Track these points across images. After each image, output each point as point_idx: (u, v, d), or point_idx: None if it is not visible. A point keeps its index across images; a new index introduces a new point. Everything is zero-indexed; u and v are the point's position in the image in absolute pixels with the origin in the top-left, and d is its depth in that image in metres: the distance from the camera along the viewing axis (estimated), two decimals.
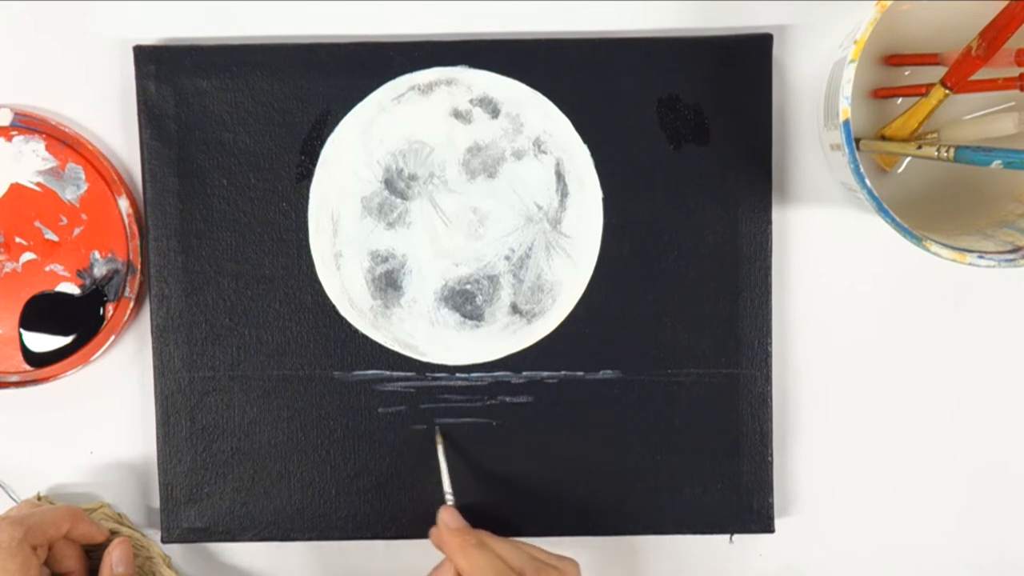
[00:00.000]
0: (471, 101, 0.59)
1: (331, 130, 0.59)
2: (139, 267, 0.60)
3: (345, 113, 0.59)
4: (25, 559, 0.52)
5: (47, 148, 0.59)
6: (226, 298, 0.59)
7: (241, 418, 0.60)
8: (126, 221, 0.60)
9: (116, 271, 0.60)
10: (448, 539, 0.53)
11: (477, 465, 0.60)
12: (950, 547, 0.62)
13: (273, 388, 0.60)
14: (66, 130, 0.59)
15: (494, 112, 0.59)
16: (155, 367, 0.59)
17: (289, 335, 0.60)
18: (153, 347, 0.59)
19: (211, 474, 0.60)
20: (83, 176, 0.60)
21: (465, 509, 0.56)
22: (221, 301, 0.59)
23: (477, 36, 0.59)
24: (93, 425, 0.61)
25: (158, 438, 0.60)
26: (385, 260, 0.59)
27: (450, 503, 0.57)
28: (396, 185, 0.59)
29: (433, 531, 0.55)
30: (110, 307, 0.60)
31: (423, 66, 0.59)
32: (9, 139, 0.59)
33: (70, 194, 0.60)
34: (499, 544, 0.53)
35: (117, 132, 0.60)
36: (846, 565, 0.62)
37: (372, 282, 0.59)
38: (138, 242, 0.60)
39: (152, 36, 0.59)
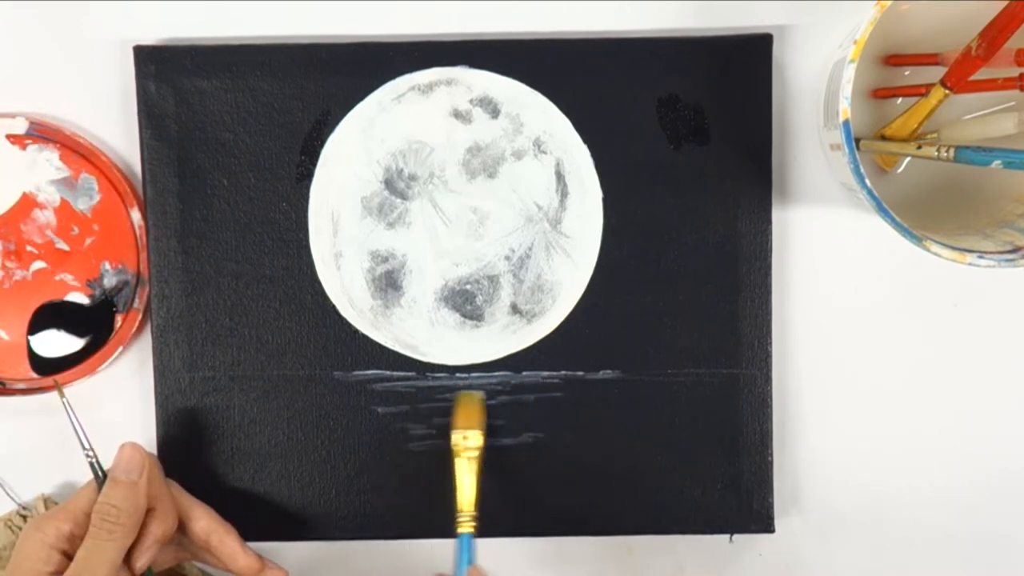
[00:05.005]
0: (471, 101, 0.59)
1: (331, 130, 0.59)
2: (148, 279, 0.59)
3: (345, 113, 0.59)
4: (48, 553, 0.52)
5: (61, 158, 0.59)
6: (226, 298, 0.59)
7: (241, 418, 0.60)
8: (137, 233, 0.60)
9: (126, 282, 0.60)
10: None
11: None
12: (950, 547, 0.62)
13: (273, 388, 0.60)
14: (81, 140, 0.59)
15: (494, 112, 0.59)
16: (155, 367, 0.59)
17: (289, 335, 0.60)
18: (153, 347, 0.59)
19: (211, 474, 0.60)
20: (96, 187, 0.59)
21: None
22: (221, 301, 0.59)
23: (477, 36, 0.59)
24: (96, 430, 0.60)
25: (158, 438, 0.60)
26: (385, 260, 0.59)
27: None
28: (396, 185, 0.59)
29: None
30: (119, 318, 0.60)
31: (423, 66, 0.59)
32: (23, 148, 0.59)
33: (82, 204, 0.60)
34: None
35: (117, 133, 0.60)
36: (846, 565, 0.62)
37: (372, 282, 0.59)
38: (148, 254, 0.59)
39: (152, 36, 0.59)
